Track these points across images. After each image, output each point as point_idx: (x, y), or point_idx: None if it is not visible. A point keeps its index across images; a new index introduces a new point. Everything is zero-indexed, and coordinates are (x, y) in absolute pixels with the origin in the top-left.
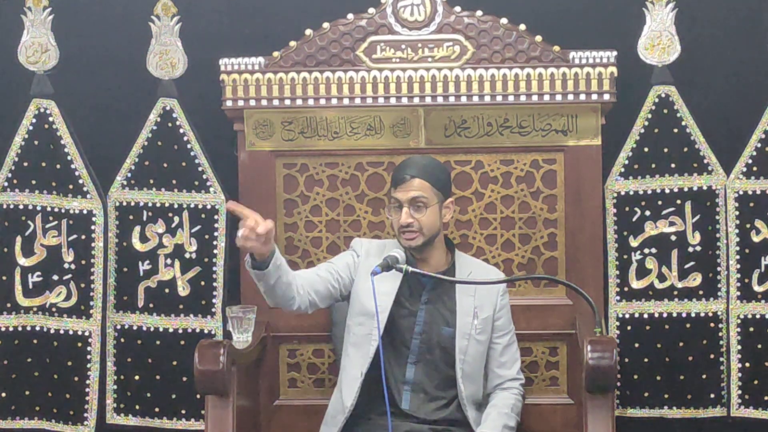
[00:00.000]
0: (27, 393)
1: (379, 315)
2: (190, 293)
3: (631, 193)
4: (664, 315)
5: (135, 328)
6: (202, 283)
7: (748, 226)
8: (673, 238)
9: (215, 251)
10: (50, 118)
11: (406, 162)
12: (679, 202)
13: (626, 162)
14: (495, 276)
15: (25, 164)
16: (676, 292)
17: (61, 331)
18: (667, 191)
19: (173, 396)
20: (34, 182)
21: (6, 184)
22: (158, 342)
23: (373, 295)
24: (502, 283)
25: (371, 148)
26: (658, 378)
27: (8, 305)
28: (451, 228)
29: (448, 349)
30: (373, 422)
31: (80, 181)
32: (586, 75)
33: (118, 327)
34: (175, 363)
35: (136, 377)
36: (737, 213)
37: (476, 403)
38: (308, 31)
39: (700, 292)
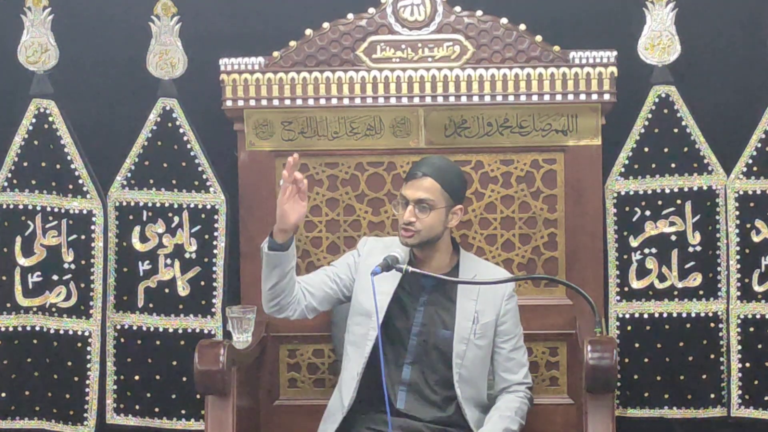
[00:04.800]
0: (27, 393)
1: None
2: (190, 293)
3: (631, 193)
4: (664, 315)
5: (135, 328)
6: (202, 283)
7: (748, 226)
8: (673, 238)
9: (215, 251)
10: (50, 118)
11: (424, 159)
12: (679, 202)
13: (626, 162)
14: (500, 277)
15: (25, 164)
16: (676, 292)
17: (61, 331)
18: (667, 191)
19: (173, 396)
20: (34, 182)
21: (6, 184)
22: (158, 342)
23: (373, 295)
24: (505, 285)
25: (371, 148)
26: (658, 378)
27: (8, 305)
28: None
29: (446, 352)
30: (370, 418)
31: (80, 181)
32: (586, 75)
33: (118, 327)
34: (175, 363)
35: (136, 377)
36: (737, 213)
37: (479, 405)
38: (308, 31)
39: (700, 292)
